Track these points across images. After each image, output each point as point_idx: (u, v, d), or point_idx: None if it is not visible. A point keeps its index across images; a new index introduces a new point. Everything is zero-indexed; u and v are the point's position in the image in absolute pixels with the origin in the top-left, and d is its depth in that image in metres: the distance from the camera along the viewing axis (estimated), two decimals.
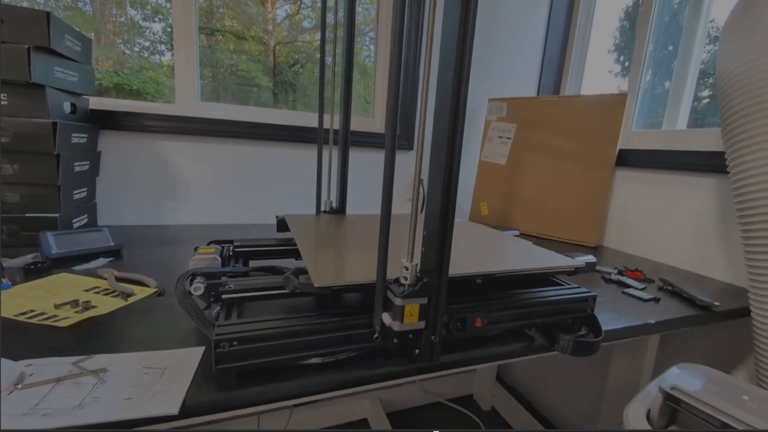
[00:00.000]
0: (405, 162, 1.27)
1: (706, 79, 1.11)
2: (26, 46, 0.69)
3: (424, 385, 1.40)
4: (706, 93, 1.12)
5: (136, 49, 1.16)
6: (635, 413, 0.53)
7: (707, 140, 0.96)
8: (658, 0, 1.16)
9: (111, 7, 1.12)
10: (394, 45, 0.38)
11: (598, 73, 1.46)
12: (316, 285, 0.39)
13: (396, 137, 0.39)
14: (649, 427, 0.50)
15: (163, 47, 1.17)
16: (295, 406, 1.21)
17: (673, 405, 0.52)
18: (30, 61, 0.69)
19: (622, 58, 1.44)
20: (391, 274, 0.40)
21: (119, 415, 0.32)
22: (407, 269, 0.38)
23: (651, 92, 1.23)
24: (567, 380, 1.24)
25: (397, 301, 0.38)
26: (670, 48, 1.18)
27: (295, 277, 0.42)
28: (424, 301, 0.39)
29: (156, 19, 1.15)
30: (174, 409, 0.33)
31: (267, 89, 1.29)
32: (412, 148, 1.29)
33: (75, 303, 0.51)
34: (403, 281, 0.39)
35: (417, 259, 0.40)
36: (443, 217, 0.38)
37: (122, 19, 1.15)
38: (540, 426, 1.26)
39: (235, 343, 0.37)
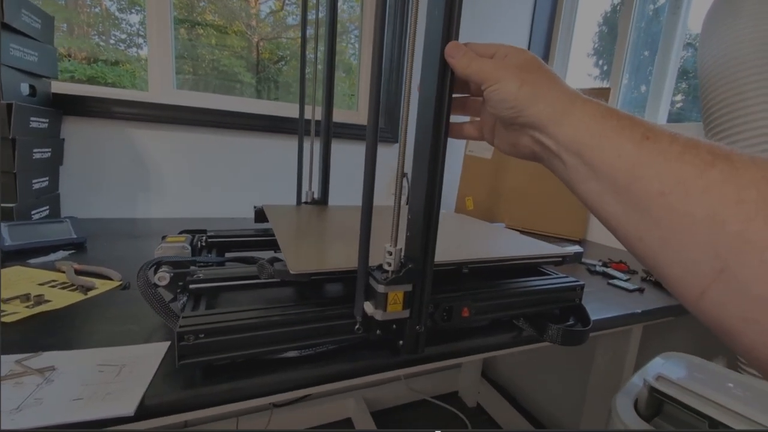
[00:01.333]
0: (390, 156, 1.24)
1: (679, 84, 1.13)
2: None
3: (409, 383, 1.38)
4: (679, 97, 1.14)
5: (112, 41, 1.10)
6: (623, 404, 0.52)
7: (688, 134, 0.97)
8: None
9: None
10: (375, 34, 0.35)
11: (578, 76, 1.48)
12: (292, 272, 0.36)
13: (379, 110, 0.36)
14: (638, 418, 0.49)
15: (141, 40, 1.11)
16: (276, 406, 1.16)
17: (658, 396, 0.51)
18: None
19: (601, 62, 1.46)
20: (374, 263, 0.38)
21: (63, 417, 0.28)
22: (391, 254, 0.36)
23: (629, 95, 1.24)
24: (551, 374, 1.24)
25: (380, 288, 0.35)
26: (646, 53, 1.20)
27: (269, 264, 0.39)
28: (409, 288, 0.36)
29: (133, 10, 1.09)
30: (129, 409, 0.29)
31: (250, 86, 1.26)
32: (396, 141, 1.27)
33: (26, 297, 0.47)
34: (386, 267, 0.36)
35: (401, 244, 0.37)
36: (429, 198, 0.35)
37: (97, 9, 1.09)
38: (524, 421, 1.26)
39: (202, 335, 0.33)
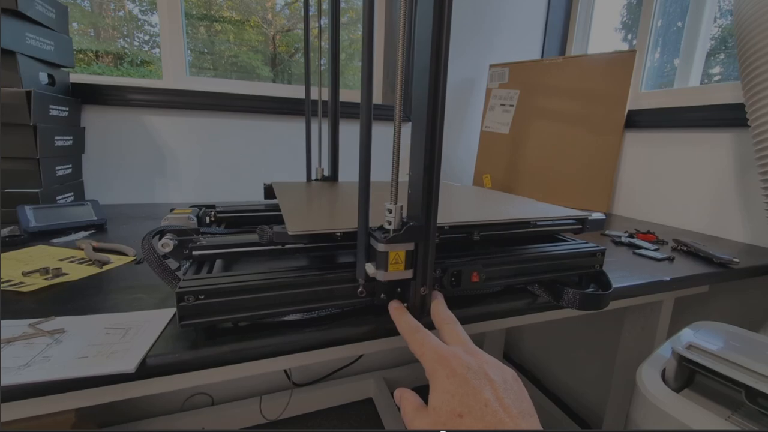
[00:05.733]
0: (402, 134, 1.21)
1: (717, 55, 1.03)
2: None
3: None
4: (717, 69, 1.05)
5: (136, 43, 1.13)
6: (649, 374, 0.49)
7: (724, 95, 0.90)
8: None
9: (109, 1, 1.09)
10: (365, 11, 0.33)
11: (605, 51, 1.39)
12: (290, 232, 0.36)
13: (372, 80, 0.34)
14: (665, 388, 0.46)
15: None
16: (297, 385, 1.19)
17: (689, 365, 0.48)
18: None
19: (630, 36, 1.36)
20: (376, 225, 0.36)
21: (68, 373, 0.29)
22: (391, 212, 0.34)
23: (661, 69, 1.15)
24: (576, 355, 1.21)
25: (380, 247, 0.34)
26: (680, 24, 1.11)
27: (269, 228, 0.38)
28: (411, 246, 0.35)
29: (155, 12, 1.11)
30: (131, 366, 0.30)
31: (267, 79, 1.28)
32: (409, 120, 1.24)
33: (45, 270, 0.48)
34: (387, 226, 0.35)
35: (403, 202, 0.35)
36: (429, 149, 0.33)
37: (120, 13, 1.12)
38: (549, 402, 1.23)
39: (202, 296, 0.33)
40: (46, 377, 0.28)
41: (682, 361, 0.48)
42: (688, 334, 0.53)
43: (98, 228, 0.72)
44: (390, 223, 0.34)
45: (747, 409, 0.44)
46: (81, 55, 1.07)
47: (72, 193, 0.87)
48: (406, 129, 1.24)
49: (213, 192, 1.08)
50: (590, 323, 1.13)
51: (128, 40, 1.13)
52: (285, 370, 1.17)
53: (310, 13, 0.76)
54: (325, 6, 0.72)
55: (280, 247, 0.41)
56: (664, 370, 0.49)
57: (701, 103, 0.91)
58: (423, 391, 0.31)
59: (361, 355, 1.28)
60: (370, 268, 0.36)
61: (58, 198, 0.81)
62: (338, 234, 0.39)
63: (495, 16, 1.30)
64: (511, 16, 1.32)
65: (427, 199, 0.34)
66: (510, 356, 1.46)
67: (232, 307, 0.34)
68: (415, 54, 0.34)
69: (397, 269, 0.35)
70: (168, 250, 0.40)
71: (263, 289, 0.35)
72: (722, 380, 0.46)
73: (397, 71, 0.34)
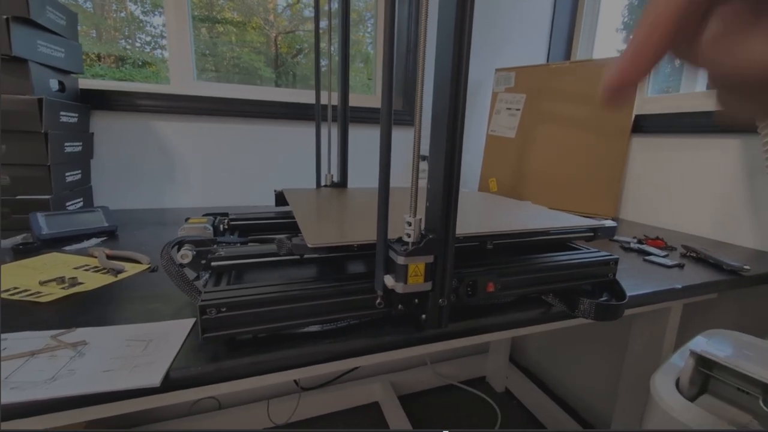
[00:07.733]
0: (409, 138, 1.22)
1: None
2: (5, 17, 0.65)
3: (436, 368, 1.38)
4: None
5: (138, 44, 1.14)
6: (663, 383, 0.49)
7: None
8: None
9: (111, 2, 1.09)
10: (386, 13, 0.34)
11: (606, 53, 1.39)
12: (309, 245, 0.36)
13: (393, 64, 0.35)
14: (680, 397, 0.46)
15: (165, 41, 1.14)
16: (304, 389, 1.19)
17: (706, 372, 0.48)
18: (10, 32, 0.66)
19: (631, 36, 1.36)
20: (394, 236, 0.37)
21: (95, 387, 0.29)
22: (410, 224, 0.34)
23: (662, 70, 1.15)
24: (582, 359, 1.21)
25: (400, 260, 0.34)
26: None
27: (288, 239, 0.39)
28: (430, 259, 0.35)
29: (156, 12, 1.11)
30: (155, 380, 0.30)
31: (270, 80, 1.28)
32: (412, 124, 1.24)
33: (61, 280, 0.49)
34: (406, 239, 0.35)
35: (421, 214, 0.36)
36: (449, 164, 0.33)
37: (122, 14, 1.12)
38: (555, 406, 1.23)
39: (224, 309, 0.34)
40: (74, 392, 0.28)
41: (700, 365, 0.48)
42: (700, 342, 0.53)
43: (109, 234, 0.72)
44: (409, 236, 0.35)
45: (764, 417, 0.44)
46: (83, 57, 1.07)
47: (81, 199, 0.87)
48: (408, 134, 1.24)
49: (221, 197, 1.08)
50: (596, 328, 1.13)
51: (130, 41, 1.13)
52: None
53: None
54: (331, 8, 0.72)
55: (297, 257, 0.41)
56: (677, 379, 0.49)
57: (709, 108, 0.91)
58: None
59: None
60: (389, 280, 0.36)
61: (67, 204, 0.81)
62: (355, 245, 0.39)
63: (501, 20, 1.30)
64: (516, 20, 1.32)
65: (446, 211, 0.34)
66: (515, 359, 1.46)
67: (254, 319, 0.35)
68: (436, 66, 0.34)
69: (416, 281, 0.35)
70: (187, 261, 0.40)
71: (284, 301, 0.35)
72: (740, 385, 0.46)
73: (417, 82, 0.34)
